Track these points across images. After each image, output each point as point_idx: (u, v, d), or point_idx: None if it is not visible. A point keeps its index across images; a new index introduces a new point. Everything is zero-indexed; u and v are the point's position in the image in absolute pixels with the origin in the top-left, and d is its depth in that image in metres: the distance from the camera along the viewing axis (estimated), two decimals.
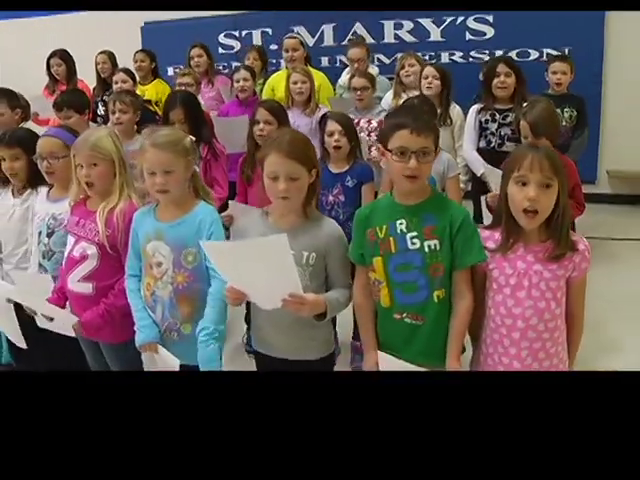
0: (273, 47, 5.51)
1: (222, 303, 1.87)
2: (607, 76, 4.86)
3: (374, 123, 3.34)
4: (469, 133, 3.25)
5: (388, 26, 5.32)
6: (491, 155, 3.12)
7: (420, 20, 5.22)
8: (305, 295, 1.67)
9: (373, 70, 4.10)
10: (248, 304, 2.02)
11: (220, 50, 5.79)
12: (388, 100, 3.82)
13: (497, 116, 3.16)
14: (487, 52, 5.08)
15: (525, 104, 2.68)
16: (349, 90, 4.01)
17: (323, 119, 2.85)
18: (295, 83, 3.53)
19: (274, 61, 5.43)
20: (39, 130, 2.72)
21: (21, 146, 2.47)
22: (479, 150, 3.23)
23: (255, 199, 2.78)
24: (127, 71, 4.03)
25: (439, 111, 3.33)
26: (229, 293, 1.73)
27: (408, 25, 5.26)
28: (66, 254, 2.15)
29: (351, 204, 2.77)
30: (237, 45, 5.78)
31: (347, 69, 4.19)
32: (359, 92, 3.37)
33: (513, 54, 4.95)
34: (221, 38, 5.81)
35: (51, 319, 2.14)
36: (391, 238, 1.78)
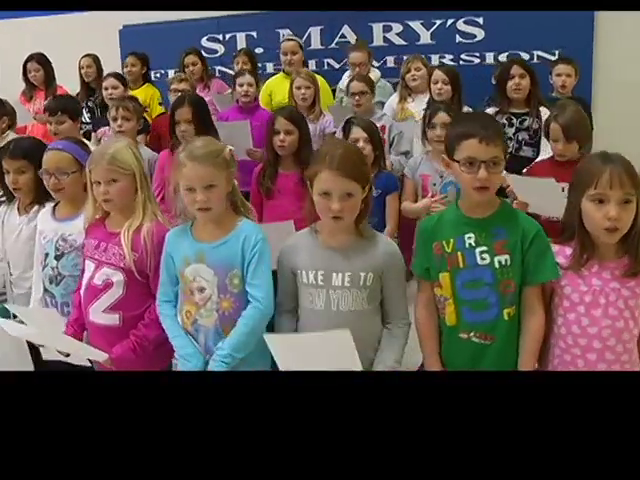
0: (258, 50, 5.37)
1: (251, 333, 1.72)
2: (597, 77, 4.87)
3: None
4: None
5: (377, 29, 5.22)
6: (509, 160, 3.05)
7: (409, 23, 5.13)
8: None
9: (374, 74, 4.00)
10: None
11: (204, 54, 5.58)
12: (392, 105, 3.74)
13: (514, 120, 3.10)
14: (477, 55, 5.04)
15: (554, 107, 2.62)
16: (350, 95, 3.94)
17: (347, 125, 2.74)
18: (299, 88, 3.41)
19: (259, 65, 5.30)
20: None
21: (27, 158, 2.28)
22: None
23: (274, 213, 2.66)
24: (118, 76, 3.84)
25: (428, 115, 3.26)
26: None
27: (397, 27, 5.18)
28: (85, 282, 1.94)
29: (376, 214, 2.66)
30: (221, 49, 5.59)
31: (347, 73, 4.09)
32: (357, 97, 3.27)
33: (504, 56, 4.93)
34: (204, 42, 5.61)
35: (67, 355, 1.94)
36: (459, 253, 1.69)
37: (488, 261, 1.66)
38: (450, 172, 1.71)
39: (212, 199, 1.71)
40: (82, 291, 1.96)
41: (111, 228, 1.94)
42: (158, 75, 5.69)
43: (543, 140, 3.09)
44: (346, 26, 5.29)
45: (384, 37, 5.23)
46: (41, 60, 4.39)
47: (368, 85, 3.25)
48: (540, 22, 4.76)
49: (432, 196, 2.55)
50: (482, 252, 1.67)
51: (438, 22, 5.09)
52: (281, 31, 5.44)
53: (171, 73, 5.64)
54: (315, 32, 5.40)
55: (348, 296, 1.69)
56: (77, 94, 4.49)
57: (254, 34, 5.52)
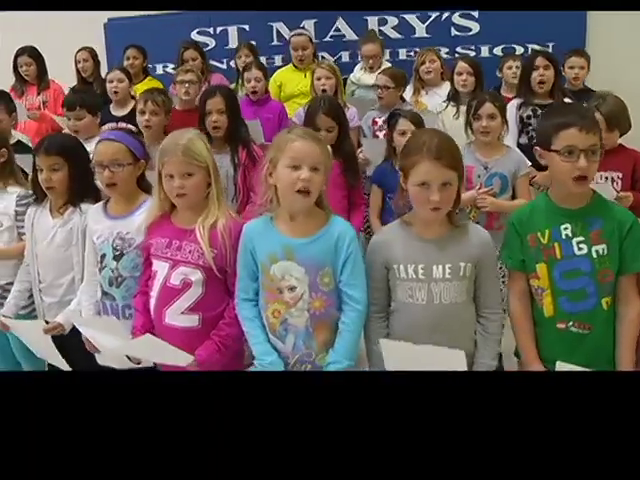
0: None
1: (357, 337, 1.70)
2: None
3: None
4: (510, 129, 3.19)
5: (372, 22, 5.18)
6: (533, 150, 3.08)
7: (405, 16, 5.13)
8: None
9: (386, 65, 3.96)
10: None
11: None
12: (406, 98, 3.71)
13: (539, 111, 3.11)
14: (473, 48, 5.08)
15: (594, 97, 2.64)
16: (361, 87, 3.90)
17: (393, 117, 2.71)
18: (319, 79, 3.36)
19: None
20: None
21: (62, 154, 2.15)
22: (520, 146, 3.18)
23: None
24: (123, 69, 3.67)
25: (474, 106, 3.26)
26: None
27: (392, 21, 5.16)
28: (159, 283, 1.84)
29: None
30: (211, 42, 5.45)
31: (359, 65, 4.04)
32: (380, 90, 3.24)
33: (498, 49, 5.00)
34: (194, 35, 5.44)
35: (138, 362, 1.86)
36: (556, 244, 1.68)
37: (585, 251, 1.66)
38: (546, 163, 1.69)
39: (315, 182, 1.63)
40: (155, 293, 1.85)
41: (181, 225, 1.85)
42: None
43: None
44: (341, 19, 5.24)
45: (379, 30, 5.19)
46: (33, 54, 4.17)
47: (392, 79, 3.22)
48: (534, 16, 4.82)
49: (478, 188, 2.53)
50: (579, 242, 1.67)
51: (433, 15, 5.10)
52: (274, 24, 5.37)
53: (159, 68, 5.52)
54: (309, 25, 5.29)
55: (450, 288, 1.66)
56: (72, 89, 4.30)
57: (246, 27, 5.41)
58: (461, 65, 3.27)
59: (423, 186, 1.61)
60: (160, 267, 1.84)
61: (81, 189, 2.20)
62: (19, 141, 2.98)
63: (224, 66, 5.27)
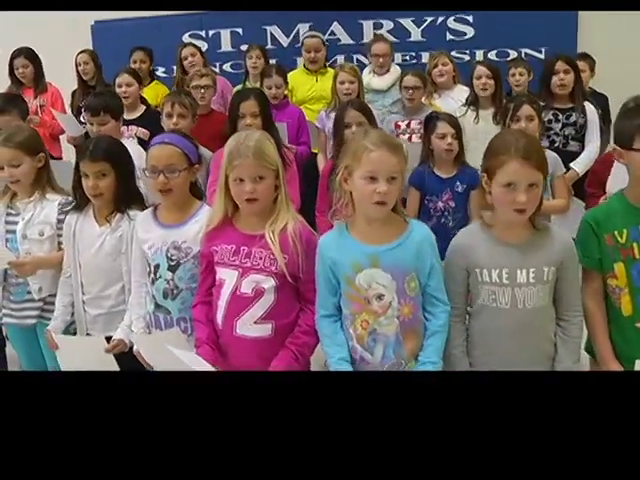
0: (244, 48, 5.20)
1: (446, 335, 1.70)
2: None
3: None
4: None
5: (367, 26, 5.20)
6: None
7: (400, 20, 5.16)
8: None
9: (395, 70, 3.98)
10: None
11: None
12: None
13: (560, 116, 3.16)
14: (467, 52, 5.14)
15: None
16: (370, 91, 3.89)
17: (431, 120, 2.71)
18: (343, 83, 3.34)
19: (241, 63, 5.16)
20: None
21: (109, 160, 2.07)
22: None
23: None
24: (133, 72, 3.56)
25: (493, 110, 3.30)
26: None
27: (388, 25, 5.18)
28: (227, 292, 1.76)
29: (461, 210, 2.68)
30: (204, 46, 5.33)
31: (367, 69, 4.03)
32: (411, 91, 3.24)
33: (493, 54, 5.07)
34: (186, 38, 5.32)
35: None
36: (634, 244, 1.70)
37: None
38: (624, 162, 1.71)
39: (392, 192, 1.60)
40: (222, 303, 1.78)
41: (247, 230, 1.78)
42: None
43: (587, 134, 3.20)
44: (336, 23, 5.23)
45: (374, 34, 5.21)
46: (30, 55, 4.03)
47: (421, 80, 3.22)
48: (527, 21, 4.92)
49: None
50: None
51: (429, 19, 5.14)
52: (268, 28, 5.33)
53: None
54: (304, 29, 5.28)
55: (533, 292, 1.66)
56: (73, 93, 4.18)
57: (240, 31, 5.35)
58: (480, 69, 3.30)
59: (509, 187, 1.60)
60: (228, 275, 1.77)
61: (128, 195, 2.13)
62: None
63: (217, 69, 5.18)
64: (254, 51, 4.05)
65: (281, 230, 1.74)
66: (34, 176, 2.26)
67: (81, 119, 3.92)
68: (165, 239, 1.93)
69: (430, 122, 2.72)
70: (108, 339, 2.09)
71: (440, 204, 2.66)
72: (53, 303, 2.27)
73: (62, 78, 4.34)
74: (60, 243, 2.26)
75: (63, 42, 5.03)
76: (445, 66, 3.69)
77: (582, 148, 3.18)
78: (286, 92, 3.63)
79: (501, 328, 1.68)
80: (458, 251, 1.73)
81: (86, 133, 3.67)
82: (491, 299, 1.68)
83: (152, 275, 1.95)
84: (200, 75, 3.43)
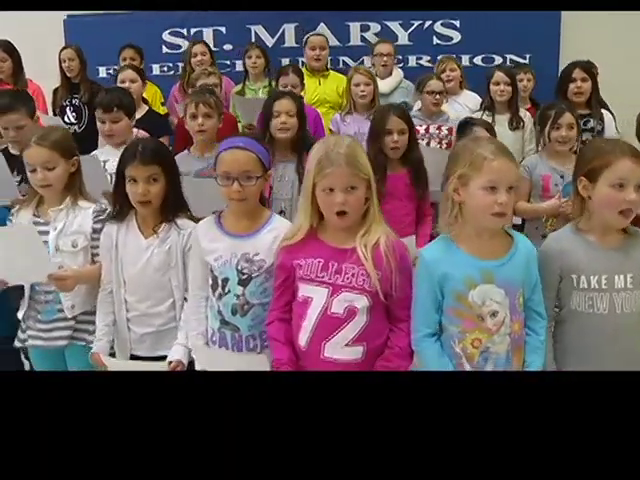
0: (227, 47, 5.05)
1: (545, 351, 1.67)
2: None
3: (444, 130, 3.20)
4: None
5: (354, 28, 5.13)
6: None
7: (387, 23, 5.11)
8: None
9: (398, 73, 3.92)
10: None
11: (164, 49, 5.13)
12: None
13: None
14: (454, 57, 5.13)
15: None
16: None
17: (466, 125, 2.66)
18: (358, 85, 3.25)
19: (228, 63, 5.00)
20: None
21: (160, 163, 1.91)
22: None
23: (386, 217, 2.51)
24: (136, 69, 3.36)
25: (509, 115, 3.29)
26: None
27: (375, 27, 5.12)
28: (317, 312, 1.63)
29: None
30: (185, 44, 5.09)
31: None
32: (438, 96, 3.19)
33: (479, 59, 5.11)
34: (166, 35, 5.14)
35: None
36: None
37: None
38: None
39: (511, 203, 1.55)
40: (310, 324, 1.64)
41: (335, 243, 1.65)
42: (111, 72, 5.12)
43: None
44: (322, 24, 5.13)
45: (361, 36, 5.16)
46: (7, 48, 3.71)
47: (444, 84, 3.18)
48: (512, 28, 5.00)
49: (558, 197, 2.53)
50: None
51: (416, 23, 5.12)
52: (253, 27, 5.17)
53: None
54: (289, 29, 5.18)
55: (631, 298, 1.65)
56: (55, 91, 3.89)
57: (223, 30, 5.17)
58: (498, 75, 3.29)
59: (617, 187, 1.59)
60: (316, 293, 1.64)
61: (176, 203, 1.96)
62: None
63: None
64: (254, 51, 3.91)
65: (374, 245, 1.62)
66: (66, 181, 2.05)
67: (65, 119, 3.70)
68: (234, 250, 1.78)
69: (466, 127, 2.68)
70: (157, 359, 1.93)
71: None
72: (85, 322, 2.08)
73: (32, 75, 4.05)
74: (94, 255, 2.06)
75: (33, 37, 4.72)
76: (453, 71, 3.70)
77: None
78: (302, 93, 3.52)
79: (599, 334, 1.66)
80: (552, 256, 1.69)
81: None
82: (587, 305, 1.66)
83: (219, 289, 1.79)
84: (207, 74, 3.27)
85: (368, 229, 1.64)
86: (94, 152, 2.62)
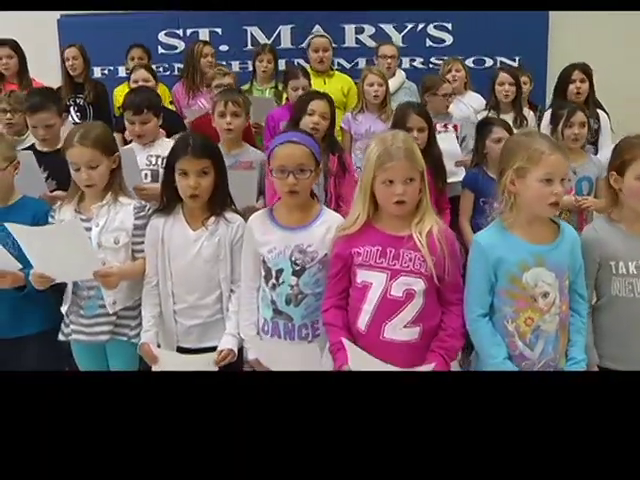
0: (223, 48, 5.07)
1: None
2: (551, 81, 5.35)
3: (450, 128, 3.30)
4: None
5: (349, 30, 5.21)
6: None
7: (382, 25, 5.21)
8: None
9: (400, 74, 4.01)
10: None
11: (160, 50, 5.12)
12: None
13: None
14: (446, 58, 5.23)
15: None
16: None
17: (486, 125, 2.75)
18: (371, 85, 3.31)
19: (224, 63, 5.00)
20: None
21: (211, 157, 1.95)
22: None
23: None
24: (148, 68, 3.36)
25: (513, 115, 3.41)
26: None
27: (370, 29, 5.22)
28: (377, 295, 1.72)
29: None
30: (180, 45, 5.15)
31: None
32: (449, 98, 3.30)
33: (470, 61, 5.22)
34: (161, 37, 5.13)
35: None
36: None
37: None
38: None
39: (563, 194, 1.68)
40: (370, 307, 1.72)
41: (391, 231, 1.74)
42: (106, 72, 5.11)
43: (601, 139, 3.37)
44: (318, 26, 5.19)
45: (356, 38, 5.25)
46: (14, 46, 3.68)
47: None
48: (503, 31, 5.14)
49: (569, 192, 2.64)
50: None
51: (410, 26, 5.23)
52: (249, 29, 5.21)
53: (121, 70, 5.12)
54: (285, 31, 5.23)
55: None
56: (57, 90, 3.86)
57: (219, 31, 5.19)
58: (503, 76, 3.41)
59: None
60: (375, 278, 1.72)
61: (224, 196, 2.00)
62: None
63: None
64: (265, 55, 3.91)
65: (427, 232, 1.71)
66: (108, 177, 2.08)
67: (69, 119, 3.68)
68: (288, 242, 1.84)
69: (485, 127, 2.78)
70: (203, 350, 1.97)
71: (496, 205, 2.70)
72: (126, 317, 2.10)
73: None
74: (135, 251, 2.08)
75: (27, 37, 4.64)
76: (458, 72, 3.78)
77: (595, 152, 3.35)
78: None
79: (637, 318, 1.76)
80: (591, 245, 1.81)
81: None
82: (628, 290, 1.78)
83: (273, 280, 1.85)
84: (223, 74, 3.30)
85: (422, 217, 1.74)
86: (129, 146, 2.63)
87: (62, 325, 2.11)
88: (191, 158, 1.89)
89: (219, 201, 1.98)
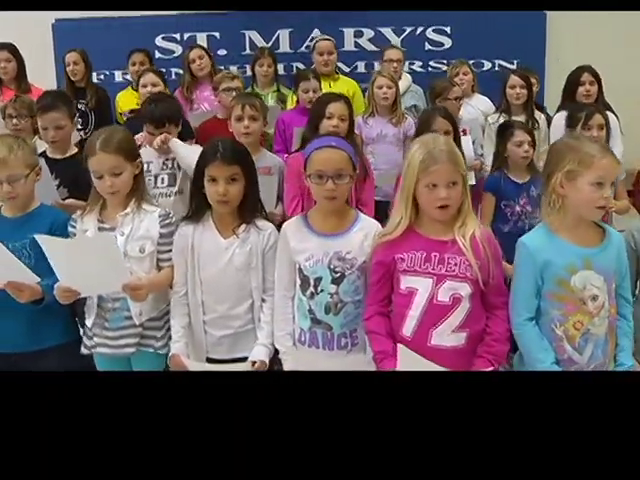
0: (221, 52, 5.02)
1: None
2: (548, 84, 5.38)
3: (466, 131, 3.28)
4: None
5: (348, 34, 5.18)
6: None
7: (381, 29, 5.20)
8: None
9: (406, 78, 3.99)
10: None
11: (158, 54, 5.04)
12: None
13: None
14: (445, 62, 5.25)
15: None
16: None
17: (508, 128, 2.74)
18: (380, 87, 3.29)
19: (222, 68, 4.95)
20: None
21: (241, 163, 1.90)
22: None
23: None
24: (156, 72, 3.29)
25: (524, 118, 3.40)
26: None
27: (369, 33, 5.20)
28: (423, 301, 1.68)
29: (536, 213, 2.72)
30: (178, 49, 5.07)
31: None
32: (460, 101, 3.28)
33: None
34: (159, 41, 5.06)
35: None
36: None
37: None
38: None
39: (611, 197, 1.66)
40: (416, 313, 1.69)
41: (434, 236, 1.71)
42: (102, 77, 5.02)
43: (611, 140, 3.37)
44: (317, 30, 5.15)
45: (355, 42, 5.23)
46: (13, 50, 3.60)
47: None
48: (501, 34, 5.16)
49: None
50: None
51: (408, 29, 5.22)
52: (247, 32, 5.16)
53: (118, 75, 5.05)
54: (284, 35, 5.20)
55: None
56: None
57: (217, 35, 5.13)
58: (514, 79, 3.40)
59: None
60: (421, 284, 1.69)
61: (254, 204, 1.95)
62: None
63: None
64: (266, 59, 3.86)
65: (470, 235, 1.68)
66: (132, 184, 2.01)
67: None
68: (326, 249, 1.79)
69: (506, 130, 2.77)
70: (233, 361, 1.91)
71: (518, 208, 2.72)
72: (152, 328, 2.03)
73: None
74: (159, 260, 2.02)
75: (21, 41, 4.55)
76: (465, 75, 3.77)
77: None
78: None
79: None
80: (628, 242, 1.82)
81: None
82: None
83: (311, 289, 1.80)
84: (231, 78, 3.24)
85: (464, 221, 1.71)
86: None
87: (84, 338, 2.04)
88: (220, 164, 1.84)
89: (250, 208, 1.93)
